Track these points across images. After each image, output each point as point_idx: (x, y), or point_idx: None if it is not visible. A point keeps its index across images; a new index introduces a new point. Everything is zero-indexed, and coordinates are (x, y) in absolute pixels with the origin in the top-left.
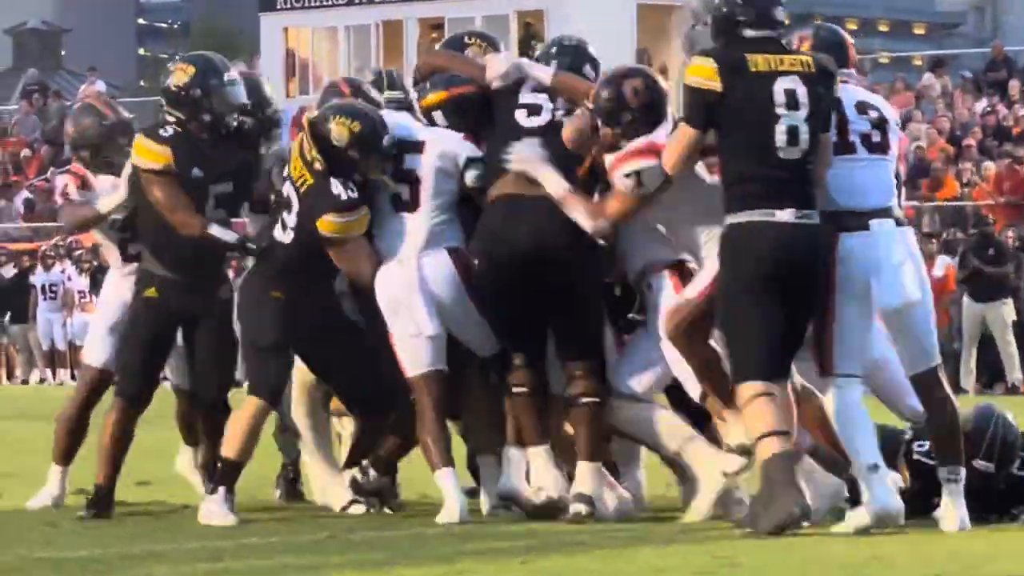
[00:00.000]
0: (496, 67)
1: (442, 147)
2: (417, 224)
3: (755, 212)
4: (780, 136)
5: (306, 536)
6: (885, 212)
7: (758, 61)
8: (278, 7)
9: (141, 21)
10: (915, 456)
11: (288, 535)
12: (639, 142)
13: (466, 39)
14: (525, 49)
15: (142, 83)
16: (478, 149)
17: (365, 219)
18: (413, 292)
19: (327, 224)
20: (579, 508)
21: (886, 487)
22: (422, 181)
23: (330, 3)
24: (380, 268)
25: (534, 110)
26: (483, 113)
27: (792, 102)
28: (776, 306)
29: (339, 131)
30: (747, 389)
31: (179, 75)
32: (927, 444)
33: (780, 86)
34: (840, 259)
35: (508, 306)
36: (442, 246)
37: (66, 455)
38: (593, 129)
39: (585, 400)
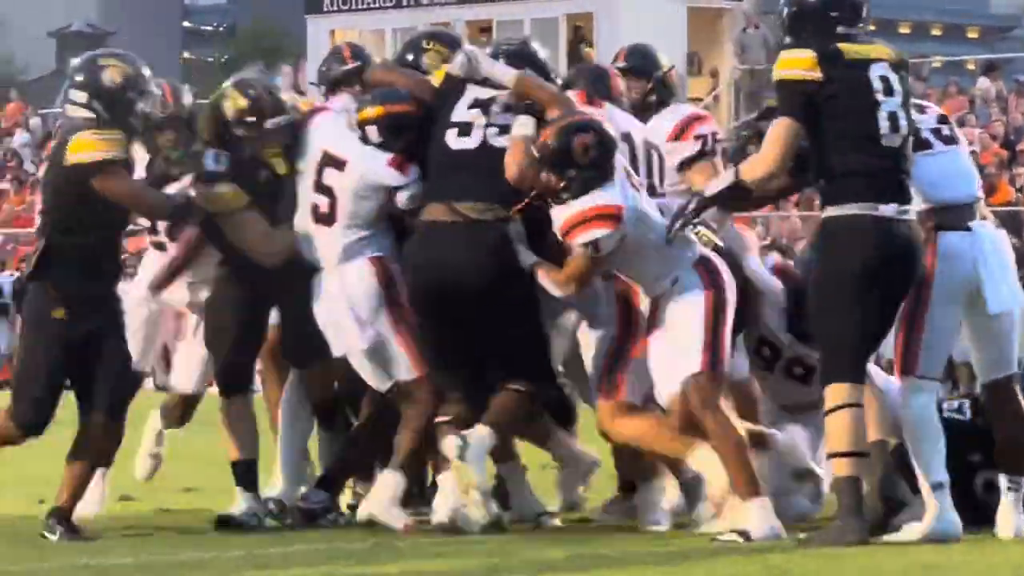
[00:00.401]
0: (456, 59)
1: (363, 171)
2: (334, 238)
3: (857, 205)
4: (883, 123)
5: (354, 544)
6: (975, 205)
7: (850, 50)
8: (325, 9)
9: (186, 24)
10: (945, 414)
11: (334, 542)
12: (585, 206)
13: (424, 43)
14: (574, 52)
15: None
16: (405, 174)
17: (234, 194)
18: (339, 308)
19: (199, 195)
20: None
21: (949, 508)
22: (338, 199)
23: (377, 5)
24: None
25: (464, 130)
26: (419, 133)
27: (888, 88)
28: (872, 304)
29: (229, 105)
30: (836, 394)
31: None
32: (956, 403)
33: (875, 73)
34: (940, 256)
35: (431, 334)
36: (363, 256)
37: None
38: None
39: (515, 386)
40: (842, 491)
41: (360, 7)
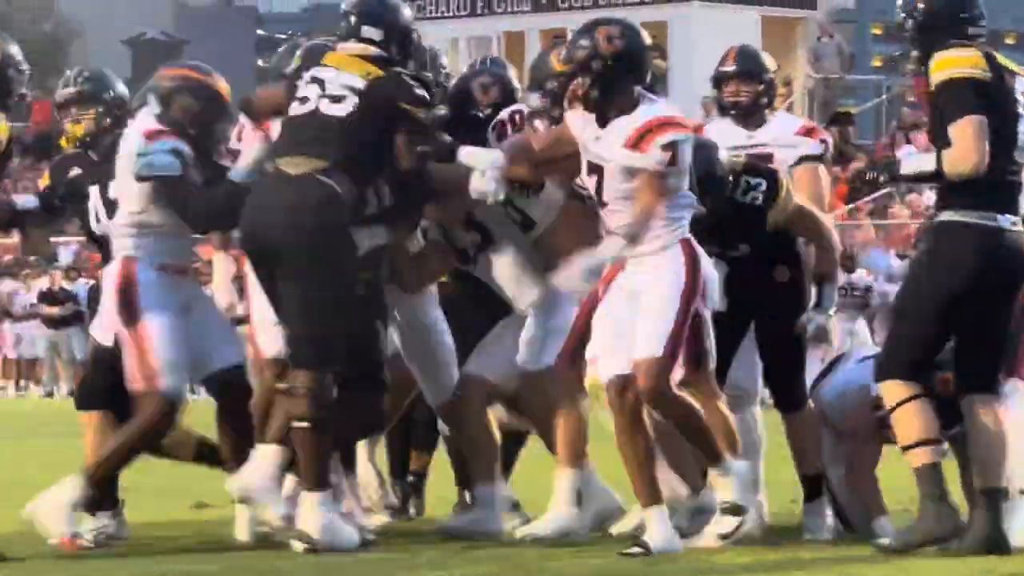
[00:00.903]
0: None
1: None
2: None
3: (976, 213)
4: (1021, 136)
5: (428, 553)
6: None
7: (998, 56)
8: None
9: (260, 32)
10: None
11: (407, 551)
12: (649, 115)
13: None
14: None
15: None
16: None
17: None
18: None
19: None
20: (298, 547)
21: None
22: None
23: (451, 14)
24: None
25: (303, 101)
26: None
27: (1021, 103)
28: (961, 314)
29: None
30: (895, 391)
31: None
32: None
33: (1019, 84)
34: None
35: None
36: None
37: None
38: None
39: (298, 424)
40: (923, 480)
41: (434, 15)
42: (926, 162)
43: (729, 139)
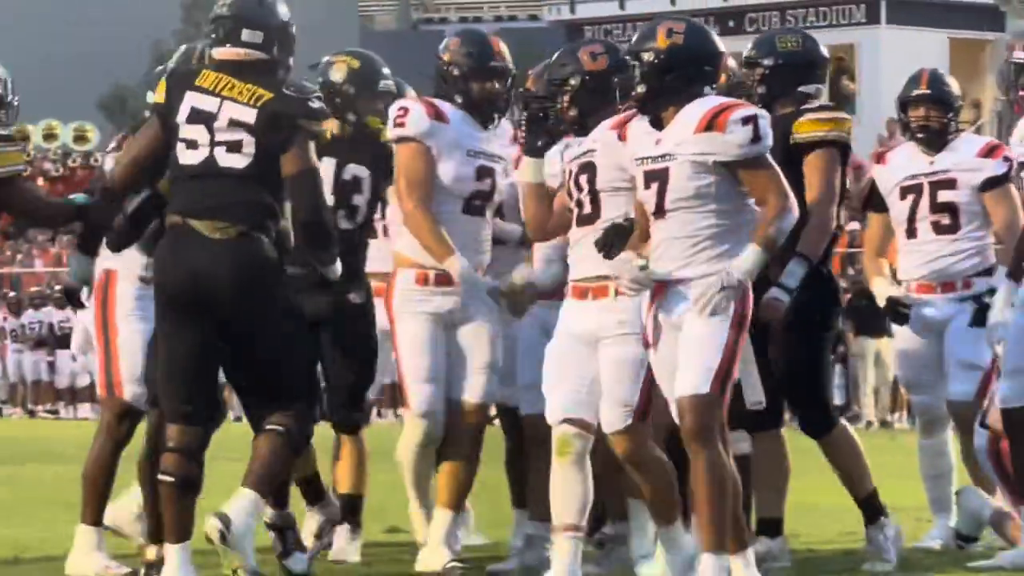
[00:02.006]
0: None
1: None
2: None
3: None
4: None
5: None
6: None
7: None
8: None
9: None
10: None
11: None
12: (705, 106)
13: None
14: (836, 84)
15: None
16: None
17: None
18: None
19: None
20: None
21: None
22: None
23: None
24: None
25: (191, 144)
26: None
27: None
28: None
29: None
30: None
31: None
32: None
33: None
34: None
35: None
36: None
37: None
38: None
39: (274, 427)
40: None
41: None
42: None
43: (912, 167)
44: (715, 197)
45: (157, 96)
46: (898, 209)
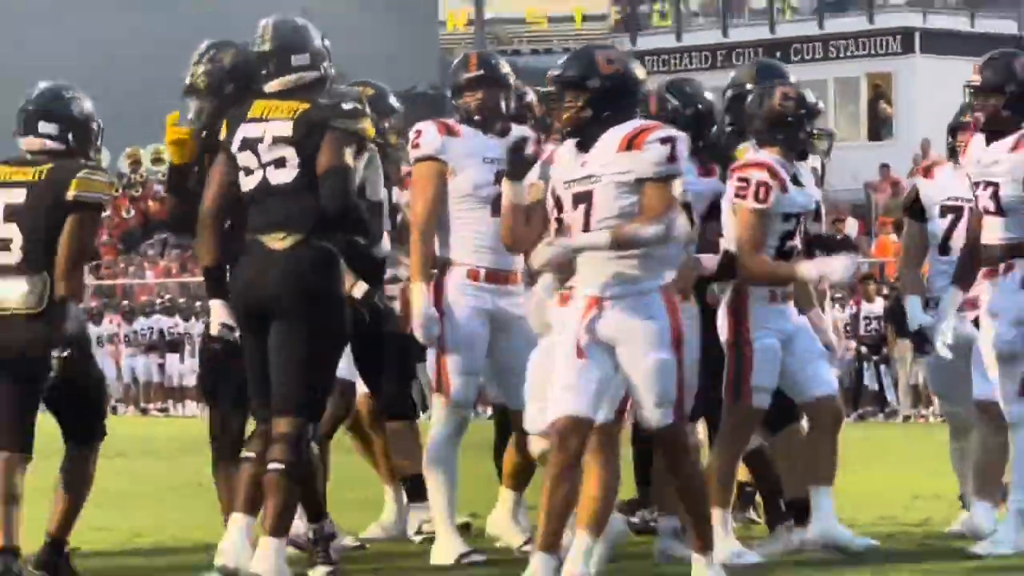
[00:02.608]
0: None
1: None
2: None
3: None
4: None
5: None
6: None
7: None
8: None
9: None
10: None
11: None
12: (649, 122)
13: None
14: (873, 109)
15: None
16: None
17: None
18: None
19: None
20: None
21: None
22: None
23: (695, 67)
24: None
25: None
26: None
27: None
28: None
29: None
30: None
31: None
32: None
33: None
34: None
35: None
36: None
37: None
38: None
39: (273, 467)
40: None
41: (680, 67)
42: None
43: (955, 188)
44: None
45: (222, 132)
46: (936, 225)
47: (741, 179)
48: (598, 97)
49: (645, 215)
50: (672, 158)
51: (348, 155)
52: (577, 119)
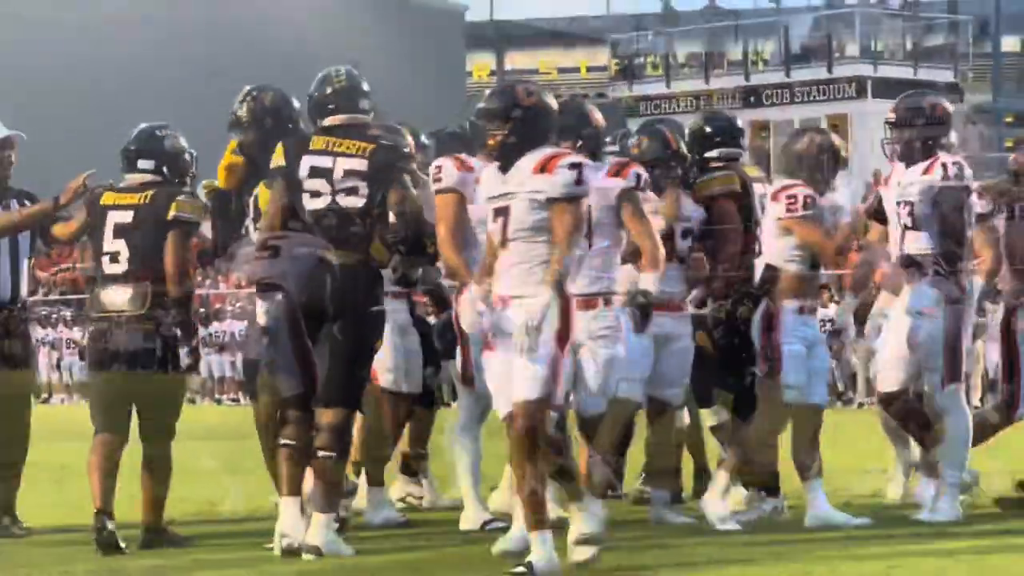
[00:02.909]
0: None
1: None
2: None
3: None
4: None
5: None
6: None
7: None
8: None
9: None
10: None
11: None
12: (564, 150)
13: None
14: None
15: None
16: None
17: None
18: None
19: None
20: (309, 558)
21: None
22: None
23: (677, 110)
24: None
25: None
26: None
27: None
28: None
29: None
30: None
31: None
32: None
33: None
34: None
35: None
36: None
37: None
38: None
39: (323, 454)
40: None
41: (654, 112)
42: None
43: None
44: (548, 230)
45: (277, 159)
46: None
47: (790, 197)
48: (519, 125)
49: (559, 240)
50: (579, 181)
51: (412, 190)
52: (503, 145)
